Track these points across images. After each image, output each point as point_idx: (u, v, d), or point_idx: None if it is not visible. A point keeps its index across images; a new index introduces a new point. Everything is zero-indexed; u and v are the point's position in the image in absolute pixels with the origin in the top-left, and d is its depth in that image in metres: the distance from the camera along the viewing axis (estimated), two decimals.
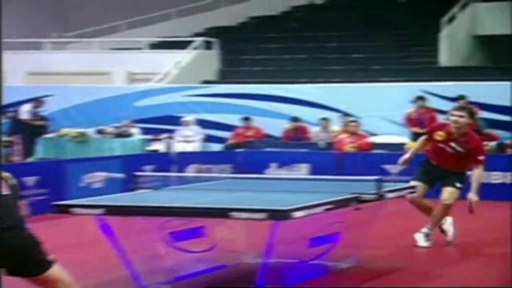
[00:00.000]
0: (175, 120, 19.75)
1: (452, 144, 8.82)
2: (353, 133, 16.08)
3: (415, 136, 16.88)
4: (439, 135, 8.93)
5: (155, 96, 20.74)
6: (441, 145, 8.89)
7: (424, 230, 8.94)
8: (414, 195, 8.89)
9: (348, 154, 15.25)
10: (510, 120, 16.82)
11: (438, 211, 8.92)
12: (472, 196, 8.70)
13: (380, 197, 7.30)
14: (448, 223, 9.20)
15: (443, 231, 9.20)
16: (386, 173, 13.75)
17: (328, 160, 14.90)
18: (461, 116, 8.82)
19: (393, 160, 14.49)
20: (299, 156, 15.64)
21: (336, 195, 7.04)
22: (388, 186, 7.63)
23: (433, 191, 9.09)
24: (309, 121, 18.52)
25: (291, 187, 8.15)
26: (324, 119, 18.06)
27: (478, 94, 17.33)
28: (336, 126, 17.96)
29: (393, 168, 14.13)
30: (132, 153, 16.82)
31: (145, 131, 19.58)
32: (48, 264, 4.94)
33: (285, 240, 6.85)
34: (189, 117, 19.60)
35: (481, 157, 8.78)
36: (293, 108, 19.23)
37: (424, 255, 8.73)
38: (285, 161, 15.36)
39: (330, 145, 16.75)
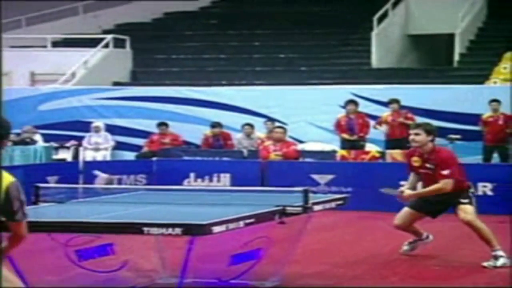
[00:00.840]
0: (83, 126, 19.56)
1: (428, 165, 8.99)
2: (279, 140, 16.15)
3: (344, 144, 17.08)
4: (415, 161, 9.11)
5: (61, 99, 20.50)
6: (422, 170, 9.07)
7: (493, 253, 8.96)
8: (398, 222, 9.18)
9: (273, 163, 15.32)
10: (446, 127, 17.12)
11: (476, 232, 9.01)
12: (409, 191, 8.96)
13: (307, 209, 7.36)
14: (421, 243, 9.46)
15: (411, 243, 9.45)
16: (314, 183, 13.87)
17: (251, 170, 14.95)
18: (417, 134, 8.99)
19: (322, 169, 14.80)
20: (220, 165, 15.65)
21: (259, 208, 7.07)
22: (316, 198, 7.70)
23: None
24: (231, 127, 18.56)
25: (211, 199, 8.15)
26: (247, 124, 18.13)
27: (412, 98, 17.63)
28: (260, 132, 18.04)
29: (321, 178, 14.27)
30: (35, 162, 16.57)
31: (50, 138, 19.33)
32: None
33: (203, 258, 6.84)
34: (98, 123, 19.44)
35: (445, 172, 8.87)
36: (213, 113, 19.25)
37: (352, 272, 8.81)
38: (205, 171, 15.35)
39: (254, 153, 16.81)
